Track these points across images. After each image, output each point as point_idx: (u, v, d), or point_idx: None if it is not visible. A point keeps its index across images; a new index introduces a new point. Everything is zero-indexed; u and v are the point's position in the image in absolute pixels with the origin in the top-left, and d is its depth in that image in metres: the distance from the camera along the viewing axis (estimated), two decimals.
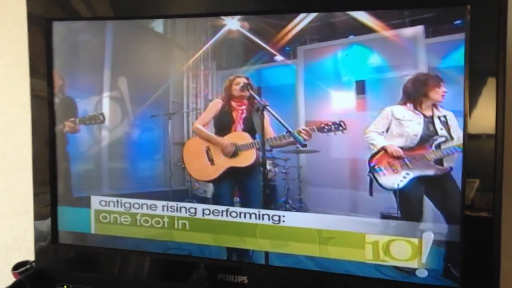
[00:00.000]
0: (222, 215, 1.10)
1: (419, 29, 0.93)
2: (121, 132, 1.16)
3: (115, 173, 1.18)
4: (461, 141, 0.91)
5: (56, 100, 1.16)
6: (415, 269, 0.98)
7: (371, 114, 0.99)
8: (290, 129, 1.03)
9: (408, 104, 0.96)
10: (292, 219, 1.05)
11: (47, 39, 1.13)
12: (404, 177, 0.97)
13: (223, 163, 1.12)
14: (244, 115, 1.10)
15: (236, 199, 1.11)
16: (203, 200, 1.13)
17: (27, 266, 1.21)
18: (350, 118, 1.00)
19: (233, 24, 1.05)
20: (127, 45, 1.13)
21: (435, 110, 0.95)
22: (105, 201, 1.17)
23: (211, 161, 1.13)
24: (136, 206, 1.15)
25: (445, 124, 0.94)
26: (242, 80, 1.07)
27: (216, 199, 1.12)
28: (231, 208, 1.09)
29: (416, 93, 0.95)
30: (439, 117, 0.95)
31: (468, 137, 0.91)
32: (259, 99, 1.06)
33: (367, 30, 0.96)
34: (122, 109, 1.15)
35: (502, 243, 0.90)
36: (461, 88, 0.90)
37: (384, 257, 0.99)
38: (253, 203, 1.08)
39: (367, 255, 1.00)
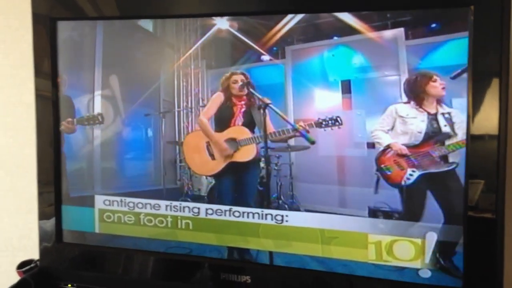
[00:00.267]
0: (225, 215, 1.10)
1: (400, 31, 0.95)
2: (113, 131, 1.17)
3: (108, 173, 1.19)
4: (465, 138, 0.92)
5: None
6: (418, 269, 0.98)
7: (357, 113, 1.01)
8: (296, 126, 1.04)
9: (412, 102, 0.97)
10: (295, 218, 1.05)
11: (52, 39, 1.14)
12: (411, 175, 0.98)
13: (224, 158, 1.13)
14: (243, 109, 1.11)
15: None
16: (197, 197, 1.15)
17: (32, 265, 1.21)
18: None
19: (222, 23, 1.06)
20: (118, 43, 1.14)
21: (439, 107, 0.96)
22: (109, 201, 1.17)
23: (212, 155, 1.13)
24: (140, 205, 1.15)
25: (450, 121, 0.94)
26: (239, 78, 1.07)
27: (218, 195, 1.13)
28: (234, 208, 1.09)
29: (415, 91, 0.96)
30: (443, 114, 0.95)
31: (471, 138, 0.91)
32: (261, 97, 1.06)
33: (354, 31, 0.98)
34: (114, 107, 1.16)
35: (505, 243, 0.90)
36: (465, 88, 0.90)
37: (387, 257, 0.99)
38: (250, 198, 1.09)
39: (370, 255, 1.00)
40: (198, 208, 1.12)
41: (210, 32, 1.07)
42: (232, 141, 1.12)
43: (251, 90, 1.07)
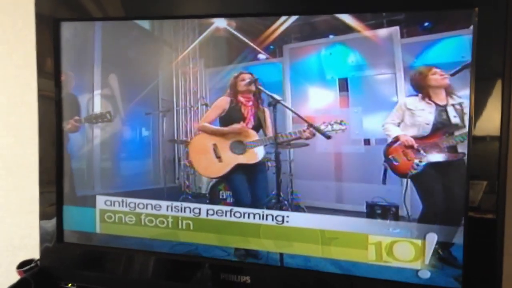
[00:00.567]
0: (226, 215, 1.10)
1: (396, 29, 0.96)
2: (114, 130, 1.17)
3: (108, 172, 1.19)
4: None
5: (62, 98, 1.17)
6: (417, 270, 0.98)
7: (354, 110, 1.02)
8: (311, 123, 1.04)
9: (420, 95, 0.98)
10: (295, 219, 1.05)
11: (55, 39, 1.14)
12: (418, 165, 0.99)
13: (231, 160, 1.13)
14: (254, 111, 1.11)
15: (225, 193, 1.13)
16: (197, 196, 1.15)
17: (32, 265, 1.21)
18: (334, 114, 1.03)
19: (220, 22, 1.06)
20: (116, 42, 1.15)
21: (449, 98, 0.96)
22: (110, 201, 1.17)
23: (219, 158, 1.13)
24: (141, 206, 1.15)
25: (460, 112, 0.94)
26: (247, 76, 1.07)
27: (225, 195, 1.13)
28: (235, 209, 1.09)
29: (420, 85, 0.97)
30: (453, 105, 0.96)
31: (473, 139, 0.91)
32: (271, 94, 1.06)
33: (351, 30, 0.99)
34: (113, 106, 1.16)
35: (504, 244, 0.90)
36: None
37: (387, 258, 0.99)
38: (261, 199, 1.10)
39: (370, 255, 1.00)
40: (199, 209, 1.12)
41: (208, 30, 1.07)
42: (239, 143, 1.12)
43: (260, 87, 1.08)
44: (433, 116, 0.98)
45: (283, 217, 1.06)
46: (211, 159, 1.14)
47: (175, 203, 1.13)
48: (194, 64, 1.11)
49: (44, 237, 1.20)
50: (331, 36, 1.01)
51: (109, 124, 1.16)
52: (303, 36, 1.03)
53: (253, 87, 1.08)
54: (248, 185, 1.12)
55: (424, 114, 0.98)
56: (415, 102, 0.99)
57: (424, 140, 0.99)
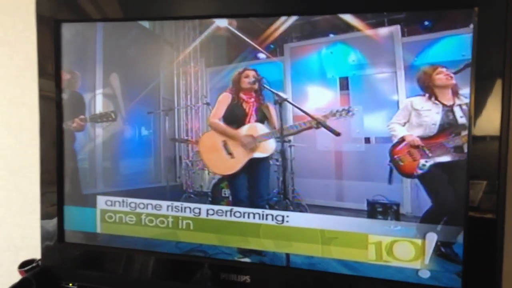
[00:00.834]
0: (226, 215, 1.10)
1: (396, 28, 0.97)
2: (116, 129, 1.17)
3: (110, 170, 1.19)
4: None
5: (64, 97, 1.17)
6: (417, 270, 0.98)
7: (355, 109, 1.02)
8: (318, 119, 1.04)
9: (427, 95, 0.98)
10: (295, 219, 1.06)
11: (56, 40, 1.15)
12: (424, 165, 0.99)
13: (243, 156, 1.12)
14: (255, 107, 1.11)
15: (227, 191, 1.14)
16: (199, 194, 1.15)
17: (33, 265, 1.22)
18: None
19: (221, 21, 1.06)
20: (117, 41, 1.15)
21: (456, 99, 0.96)
22: (111, 201, 1.18)
23: (231, 154, 1.13)
24: (141, 206, 1.16)
25: (467, 112, 0.93)
26: (251, 73, 1.07)
27: (232, 193, 1.14)
28: (235, 208, 1.10)
29: (425, 85, 0.97)
30: (460, 106, 0.95)
31: (473, 139, 0.91)
32: (277, 92, 1.06)
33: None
34: (115, 105, 1.16)
35: (504, 244, 0.90)
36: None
37: (387, 257, 0.99)
38: (263, 197, 1.10)
39: (370, 255, 1.00)
40: (199, 209, 1.12)
41: (209, 30, 1.07)
42: (250, 138, 1.11)
43: (266, 86, 1.07)
44: (440, 116, 0.98)
45: (283, 217, 1.06)
46: (222, 156, 1.13)
47: (175, 203, 1.14)
48: (195, 63, 1.11)
49: (45, 237, 1.20)
50: (331, 35, 1.01)
51: (111, 123, 1.16)
52: (304, 35, 1.03)
53: (256, 86, 1.08)
54: (250, 183, 1.12)
55: (431, 114, 0.98)
56: (422, 102, 0.98)
57: (430, 140, 0.98)
